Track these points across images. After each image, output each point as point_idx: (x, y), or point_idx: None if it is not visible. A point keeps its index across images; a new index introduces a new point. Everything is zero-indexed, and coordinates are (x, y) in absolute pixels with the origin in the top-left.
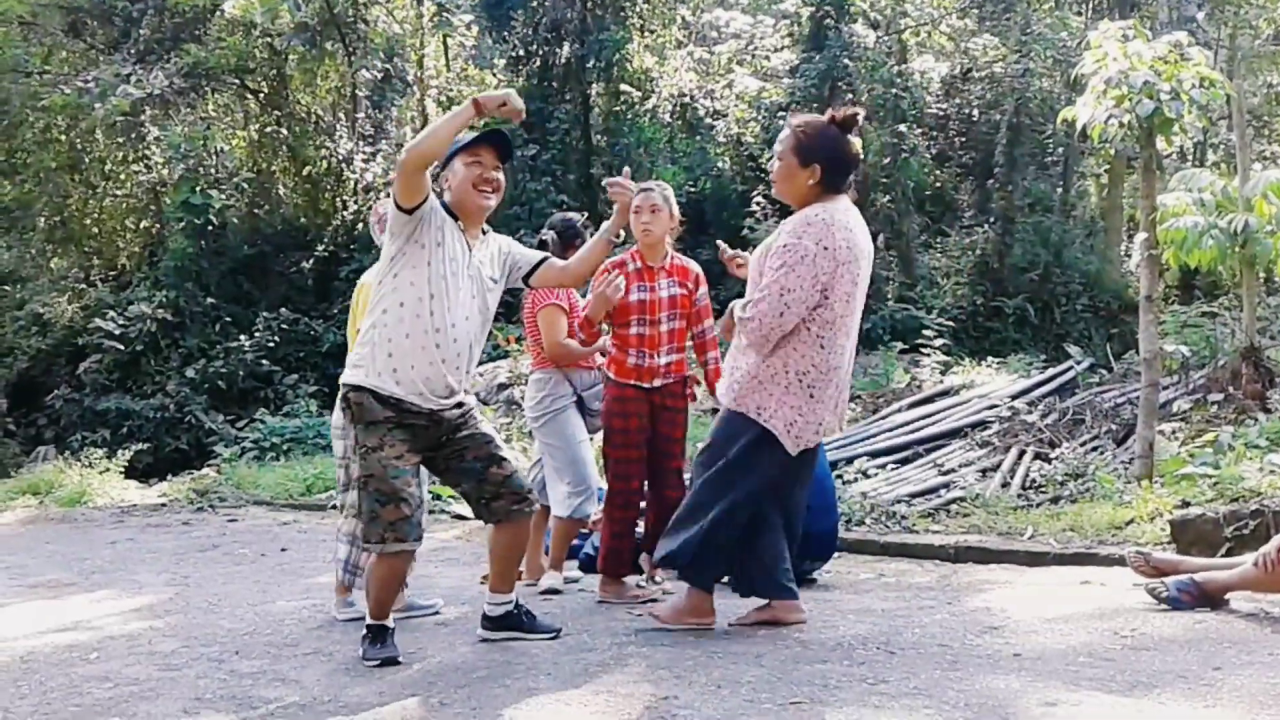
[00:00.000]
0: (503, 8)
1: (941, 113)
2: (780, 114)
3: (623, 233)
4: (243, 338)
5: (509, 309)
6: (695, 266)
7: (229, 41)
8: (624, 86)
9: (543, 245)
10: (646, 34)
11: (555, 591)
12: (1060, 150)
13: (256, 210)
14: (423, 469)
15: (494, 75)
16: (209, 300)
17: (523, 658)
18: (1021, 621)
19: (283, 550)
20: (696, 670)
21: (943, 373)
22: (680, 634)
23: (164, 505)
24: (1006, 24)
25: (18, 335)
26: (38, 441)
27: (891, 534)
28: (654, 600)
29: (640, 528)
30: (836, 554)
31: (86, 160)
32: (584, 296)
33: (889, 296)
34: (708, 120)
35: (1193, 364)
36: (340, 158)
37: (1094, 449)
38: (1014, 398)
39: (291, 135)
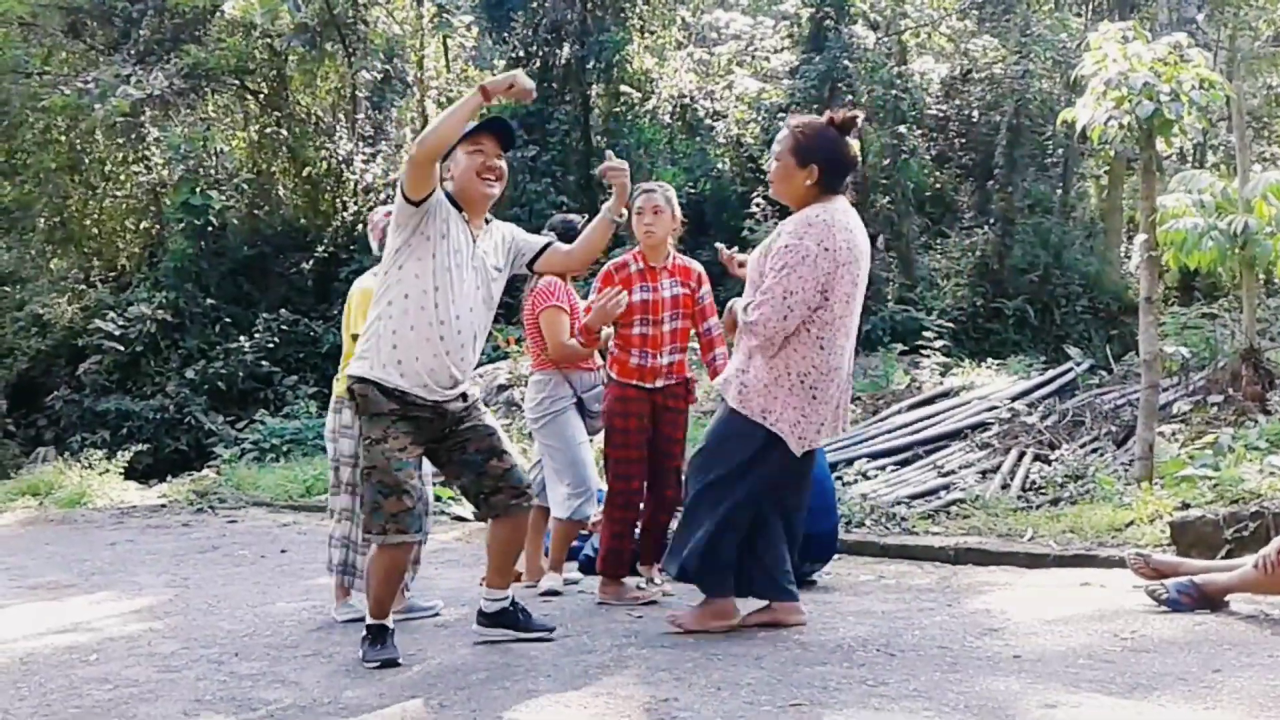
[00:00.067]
0: (503, 9)
1: (941, 114)
2: (780, 115)
3: (625, 211)
4: (242, 339)
5: (509, 310)
6: (697, 266)
7: (229, 42)
8: (624, 87)
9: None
10: (646, 35)
11: (555, 593)
12: (1060, 151)
13: (256, 211)
14: (427, 464)
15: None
16: (209, 301)
17: (522, 659)
18: (1021, 623)
19: (282, 552)
20: (696, 672)
21: (942, 374)
22: (680, 636)
23: (164, 506)
24: (1006, 25)
25: (17, 336)
26: (37, 442)
27: (891, 536)
28: (654, 602)
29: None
30: (836, 556)
31: (86, 161)
32: (584, 298)
33: (889, 298)
34: (707, 121)
35: (1192, 366)
36: (340, 159)
37: (1094, 451)
38: (1014, 399)
39: (291, 136)
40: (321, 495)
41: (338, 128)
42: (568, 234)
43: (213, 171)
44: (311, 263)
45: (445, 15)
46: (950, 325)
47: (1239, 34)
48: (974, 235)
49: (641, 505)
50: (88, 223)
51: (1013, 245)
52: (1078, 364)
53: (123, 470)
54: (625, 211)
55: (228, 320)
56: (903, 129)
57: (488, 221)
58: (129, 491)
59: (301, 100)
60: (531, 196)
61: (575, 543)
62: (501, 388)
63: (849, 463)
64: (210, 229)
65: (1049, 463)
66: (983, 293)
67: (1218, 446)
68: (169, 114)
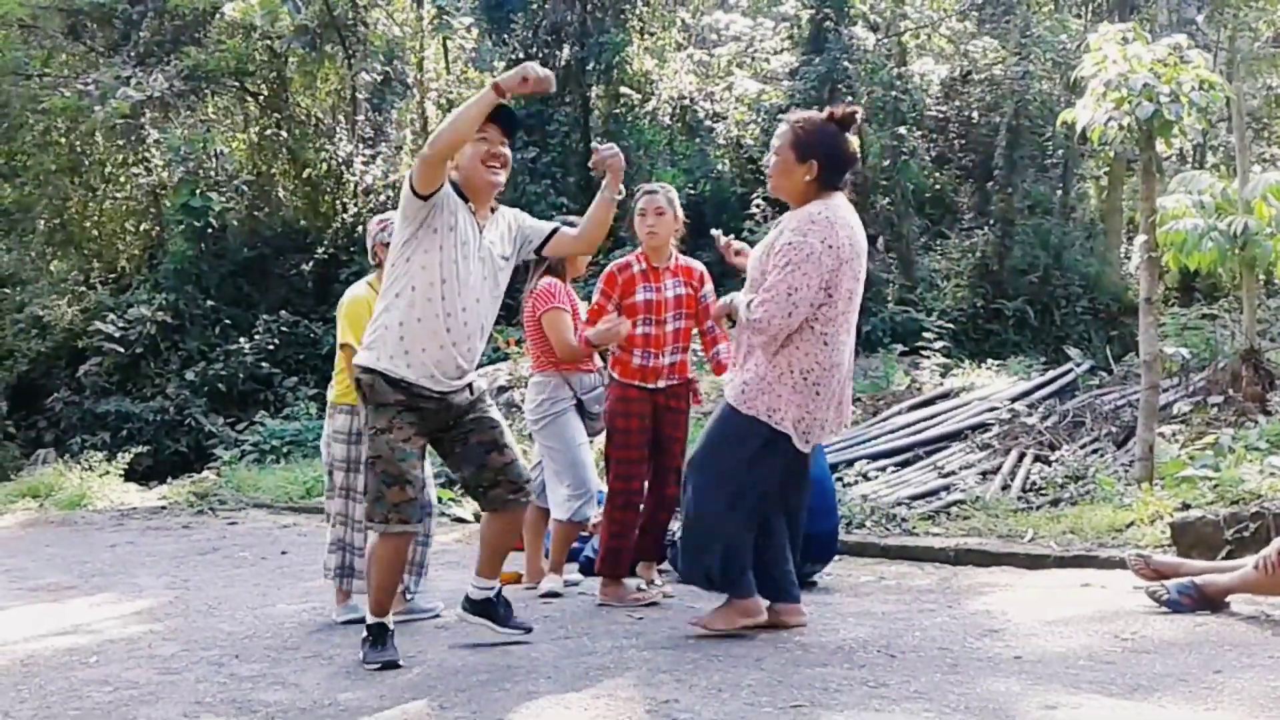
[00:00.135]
0: (502, 10)
1: (941, 115)
2: (780, 116)
3: (623, 190)
4: (242, 340)
5: (509, 311)
6: (699, 266)
7: (229, 44)
8: (624, 89)
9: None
10: (646, 37)
11: (555, 595)
12: (1060, 153)
13: (256, 213)
14: (428, 466)
15: (494, 77)
16: (209, 303)
17: (523, 661)
18: (1022, 624)
19: (283, 553)
20: (697, 673)
21: (943, 375)
22: (680, 637)
23: (164, 508)
24: (1006, 26)
25: (18, 338)
26: (37, 444)
27: (892, 536)
28: (654, 604)
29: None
30: (837, 557)
31: (86, 163)
32: (585, 299)
33: (889, 299)
34: (707, 123)
35: (1193, 366)
36: (340, 160)
37: (1094, 451)
38: (1014, 400)
39: (291, 138)
40: (321, 497)
41: (338, 129)
42: None
43: (213, 173)
44: (311, 264)
45: (445, 17)
46: (950, 326)
47: (1239, 35)
48: (974, 236)
49: (642, 506)
50: (88, 224)
51: (1013, 246)
52: (1078, 365)
53: (123, 472)
54: (623, 190)
55: (228, 322)
56: (903, 130)
57: (493, 210)
58: (129, 493)
59: (301, 102)
60: (531, 198)
61: (575, 544)
62: (502, 389)
63: (849, 464)
64: (210, 231)
65: (1049, 464)
66: (983, 294)
67: (1218, 447)
68: (169, 116)
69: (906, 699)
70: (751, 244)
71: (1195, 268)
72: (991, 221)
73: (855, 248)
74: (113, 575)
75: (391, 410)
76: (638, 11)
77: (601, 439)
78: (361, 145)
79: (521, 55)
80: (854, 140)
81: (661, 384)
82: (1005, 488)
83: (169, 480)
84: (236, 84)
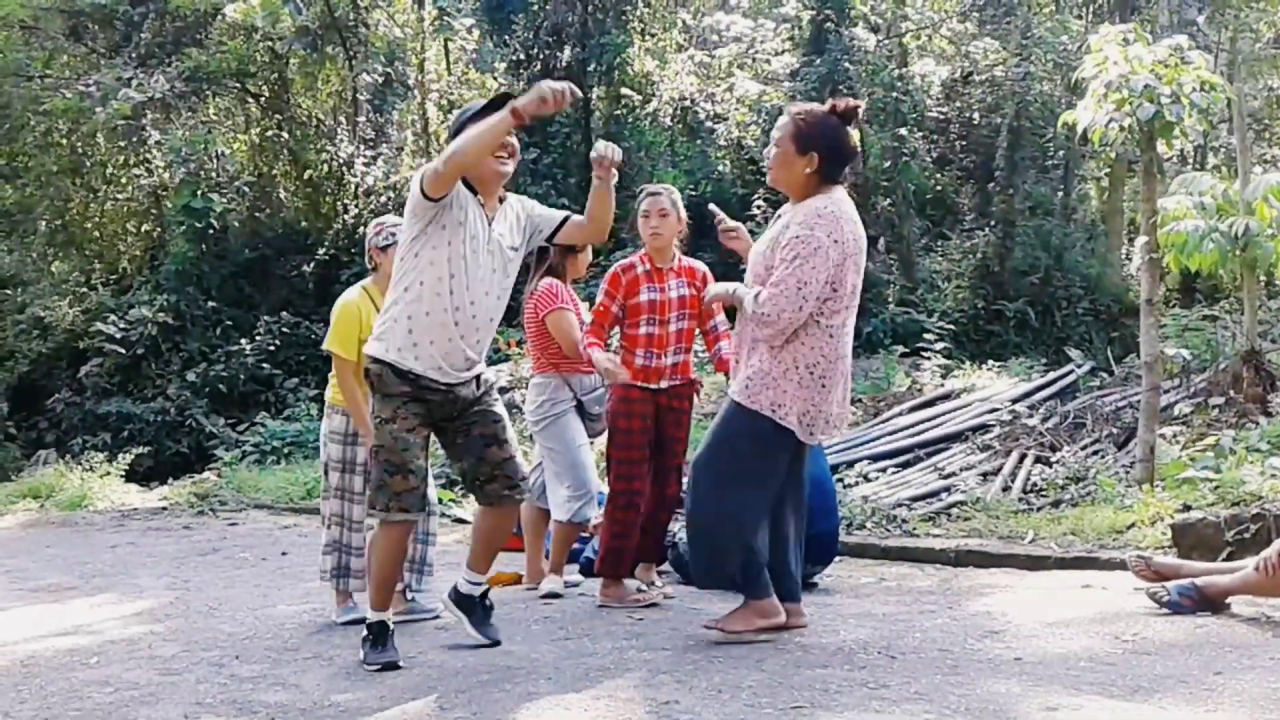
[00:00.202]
0: (504, 11)
1: (942, 116)
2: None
3: (617, 173)
4: (243, 341)
5: (510, 312)
6: (702, 267)
7: (230, 45)
8: (625, 90)
9: (543, 250)
10: (647, 38)
11: (555, 596)
12: (1061, 154)
13: (257, 214)
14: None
15: (495, 79)
16: (210, 304)
17: (523, 662)
18: (1022, 626)
19: (283, 554)
20: (697, 675)
21: (943, 376)
22: (681, 638)
23: (164, 509)
24: (1007, 28)
25: (19, 339)
26: (38, 445)
27: (892, 538)
28: (654, 605)
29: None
30: (837, 558)
31: (88, 164)
32: (585, 299)
33: (890, 300)
34: (708, 124)
35: (1194, 367)
36: (341, 161)
37: (1095, 453)
38: (1015, 401)
39: (292, 139)
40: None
41: (339, 130)
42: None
43: (214, 174)
44: (312, 265)
45: (446, 18)
46: (951, 327)
47: (1240, 36)
48: (975, 237)
49: (642, 506)
50: (89, 226)
51: (1014, 247)
52: (1079, 366)
53: (123, 473)
54: (617, 173)
55: (229, 323)
56: (903, 131)
57: (501, 200)
58: (130, 494)
59: (302, 103)
60: (532, 199)
61: (576, 545)
62: (502, 390)
63: (850, 465)
64: (211, 232)
65: (1050, 465)
66: (984, 295)
67: (1219, 448)
68: (170, 117)
69: (907, 700)
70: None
71: (1196, 269)
72: (992, 223)
73: (858, 242)
74: (113, 576)
75: (397, 400)
76: (639, 13)
77: (602, 439)
78: (363, 146)
79: (522, 56)
80: (855, 133)
81: (664, 384)
82: (1006, 489)
83: (170, 481)
84: (238, 85)
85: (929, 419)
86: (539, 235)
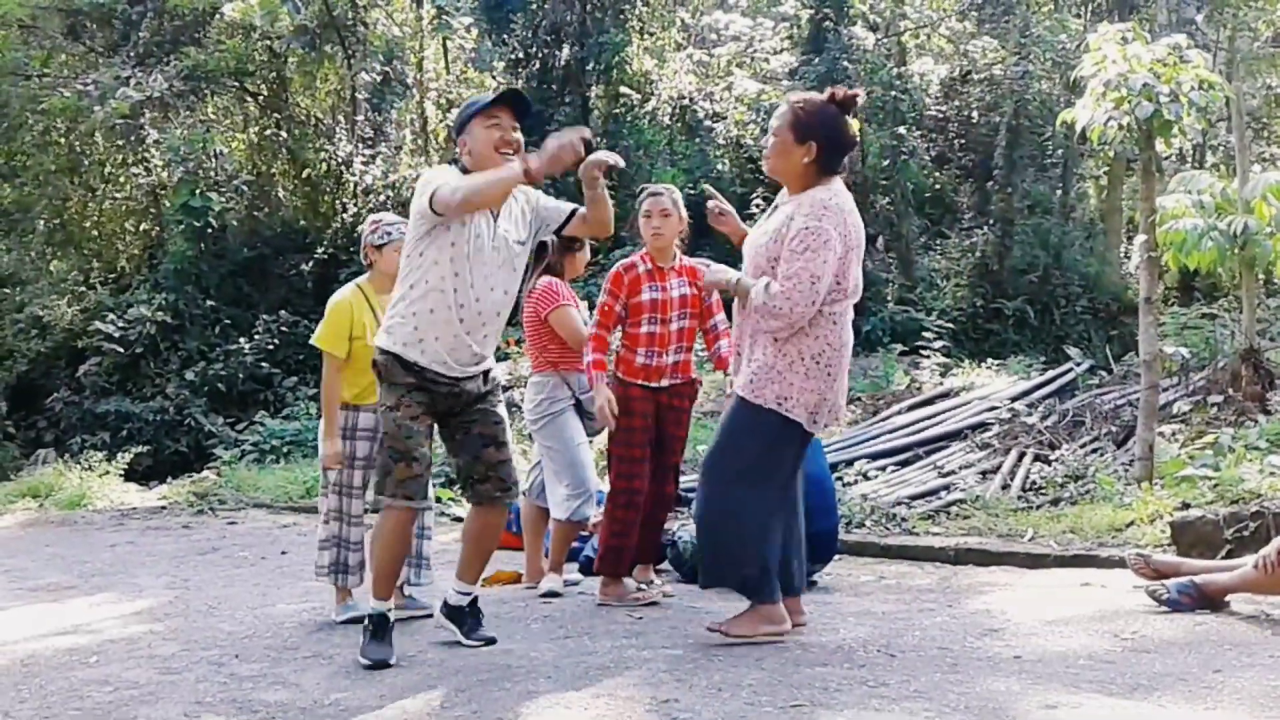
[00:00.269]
0: (502, 10)
1: (941, 115)
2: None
3: (614, 184)
4: (242, 340)
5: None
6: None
7: (228, 44)
8: (623, 89)
9: (541, 248)
10: (646, 37)
11: (555, 594)
12: (1060, 152)
13: (256, 213)
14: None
15: (493, 78)
16: (209, 303)
17: (523, 660)
18: (1022, 624)
19: (282, 553)
20: (697, 673)
21: (942, 375)
22: (680, 636)
23: (164, 508)
24: (1006, 26)
25: (17, 338)
26: (37, 444)
27: (892, 536)
28: (654, 603)
29: None
30: (837, 556)
31: (86, 163)
32: (585, 299)
33: (889, 298)
34: (707, 123)
35: (1192, 366)
36: (340, 160)
37: (1094, 451)
38: (1014, 400)
39: (291, 138)
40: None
41: (337, 129)
42: (568, 237)
43: (212, 173)
44: (311, 264)
45: (445, 17)
46: (950, 326)
47: (1238, 35)
48: (974, 236)
49: (642, 505)
50: (87, 225)
51: (1012, 246)
52: (1077, 364)
53: (123, 472)
54: (604, 178)
55: (227, 322)
56: (902, 130)
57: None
58: (129, 493)
59: (301, 102)
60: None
61: (575, 544)
62: (502, 389)
63: (849, 463)
64: (210, 231)
65: (1049, 463)
66: (982, 293)
67: (1218, 446)
68: (168, 116)
69: (906, 698)
70: None
71: (1195, 267)
72: (991, 221)
73: (859, 235)
74: (113, 575)
75: (401, 389)
76: (637, 11)
77: (601, 438)
78: (361, 145)
79: (520, 55)
80: (854, 123)
81: (665, 383)
82: (1005, 487)
83: (169, 480)
84: (236, 84)
85: (928, 417)
86: (546, 229)
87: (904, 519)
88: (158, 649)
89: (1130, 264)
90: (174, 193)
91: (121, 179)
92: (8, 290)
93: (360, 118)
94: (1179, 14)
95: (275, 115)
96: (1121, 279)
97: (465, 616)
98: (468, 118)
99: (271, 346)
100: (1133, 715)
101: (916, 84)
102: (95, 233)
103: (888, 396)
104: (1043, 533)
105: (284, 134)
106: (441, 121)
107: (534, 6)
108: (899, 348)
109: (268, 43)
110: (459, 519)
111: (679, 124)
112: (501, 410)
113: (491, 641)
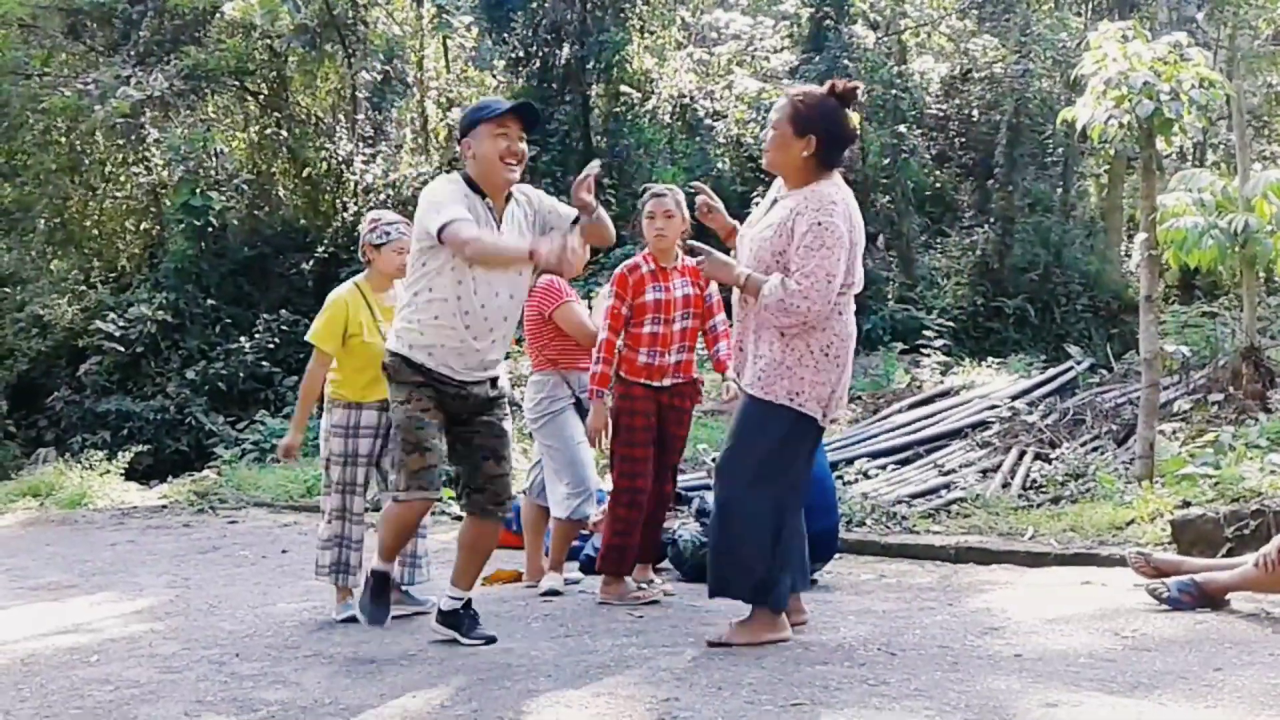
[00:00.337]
0: (502, 9)
1: (941, 113)
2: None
3: (613, 183)
4: (243, 339)
5: None
6: None
7: (229, 43)
8: (624, 88)
9: None
10: (646, 35)
11: (555, 593)
12: (1060, 151)
13: (256, 212)
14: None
15: (494, 76)
16: (209, 302)
17: (523, 659)
18: (1022, 622)
19: (283, 552)
20: (697, 672)
21: (943, 373)
22: (680, 635)
23: (164, 507)
24: (1006, 25)
25: (18, 337)
26: (38, 443)
27: (892, 535)
28: (655, 602)
29: None
30: (837, 555)
31: (86, 162)
32: (585, 298)
33: (889, 297)
34: (707, 121)
35: (1193, 364)
36: (340, 159)
37: (1094, 449)
38: (1014, 398)
39: (291, 137)
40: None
41: (338, 128)
42: None
43: (213, 172)
44: (311, 263)
45: (445, 16)
46: (950, 324)
47: (1239, 33)
48: (974, 234)
49: (645, 504)
50: (88, 224)
51: (1013, 244)
52: (1078, 363)
53: (123, 471)
54: (594, 199)
55: (228, 321)
56: (903, 128)
57: (509, 198)
58: (129, 492)
59: (301, 101)
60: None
61: (576, 542)
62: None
63: (849, 462)
64: (210, 230)
65: (1050, 461)
66: (983, 292)
67: (1218, 445)
68: (169, 115)
69: (907, 697)
70: None
71: (1196, 265)
72: (992, 219)
73: (860, 231)
74: (113, 574)
75: (410, 386)
76: (638, 10)
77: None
78: (361, 144)
79: (521, 54)
80: (854, 117)
81: (667, 382)
82: (1005, 485)
83: (169, 479)
84: (236, 83)
85: (928, 416)
86: (550, 232)
87: (904, 517)
88: (158, 648)
89: (1131, 262)
90: (174, 192)
91: (122, 178)
92: (8, 289)
93: (361, 116)
94: (1179, 12)
95: (275, 114)
96: (1122, 277)
97: (461, 618)
98: (475, 121)
99: (272, 345)
100: (1133, 713)
101: (917, 82)
102: (96, 232)
103: (888, 395)
104: (1043, 531)
105: (284, 133)
106: (442, 120)
107: (534, 5)
108: (899, 346)
109: (268, 42)
110: (459, 518)
111: (679, 123)
112: (506, 424)
113: (491, 640)
